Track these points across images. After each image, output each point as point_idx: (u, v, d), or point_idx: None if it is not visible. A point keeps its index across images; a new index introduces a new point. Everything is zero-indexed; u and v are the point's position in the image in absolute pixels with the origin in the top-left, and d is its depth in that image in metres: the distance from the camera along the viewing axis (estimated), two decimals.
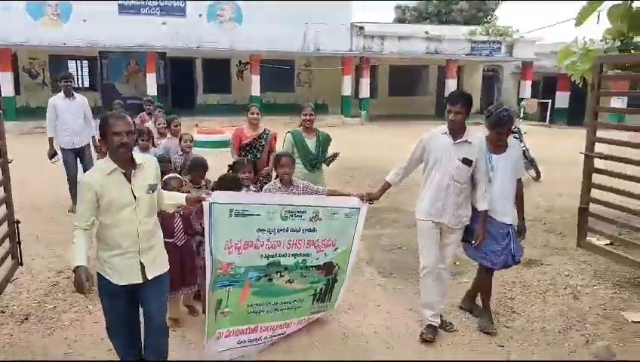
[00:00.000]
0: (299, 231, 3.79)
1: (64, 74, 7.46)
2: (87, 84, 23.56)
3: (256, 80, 21.74)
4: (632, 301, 4.85)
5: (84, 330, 4.25)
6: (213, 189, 3.92)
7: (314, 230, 3.88)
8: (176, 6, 19.80)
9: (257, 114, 5.81)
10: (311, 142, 5.48)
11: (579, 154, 5.65)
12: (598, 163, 5.49)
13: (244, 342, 3.84)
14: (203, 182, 4.73)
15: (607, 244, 5.80)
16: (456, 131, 3.96)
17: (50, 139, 7.30)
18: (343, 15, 21.98)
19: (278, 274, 3.84)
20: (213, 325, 3.64)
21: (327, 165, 5.72)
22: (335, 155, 5.66)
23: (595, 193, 5.60)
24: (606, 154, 5.37)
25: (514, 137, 9.78)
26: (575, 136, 12.07)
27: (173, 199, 3.44)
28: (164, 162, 4.94)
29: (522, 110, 23.54)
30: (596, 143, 5.42)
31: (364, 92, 23.48)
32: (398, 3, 42.67)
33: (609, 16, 6.08)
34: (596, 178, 5.50)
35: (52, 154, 7.33)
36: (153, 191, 3.12)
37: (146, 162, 3.13)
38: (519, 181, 4.27)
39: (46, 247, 6.06)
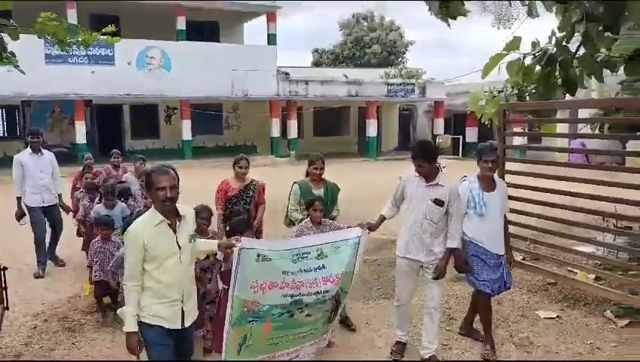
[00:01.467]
0: (310, 270, 3.96)
1: (31, 129, 7.16)
2: (4, 132, 22.89)
3: (187, 125, 22.19)
4: (543, 302, 5.89)
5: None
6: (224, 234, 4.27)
7: (324, 267, 4.02)
8: (104, 55, 20.01)
9: (246, 168, 5.59)
10: (319, 193, 5.21)
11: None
12: (509, 190, 6.60)
13: None
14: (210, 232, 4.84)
15: (522, 259, 6.89)
16: (428, 177, 4.29)
17: (19, 199, 6.86)
18: (267, 61, 23.11)
19: (299, 310, 3.99)
20: (234, 357, 3.83)
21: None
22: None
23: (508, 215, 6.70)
24: (515, 183, 6.50)
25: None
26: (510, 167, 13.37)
27: (207, 246, 3.65)
28: (104, 226, 5.60)
29: (438, 146, 25.47)
30: (505, 175, 6.54)
31: (292, 133, 24.59)
32: (315, 47, 44.70)
33: (507, 69, 7.35)
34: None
35: (20, 215, 6.89)
36: (194, 241, 3.29)
37: (188, 213, 3.30)
38: (504, 216, 4.71)
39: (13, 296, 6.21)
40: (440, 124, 27.74)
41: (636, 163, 12.21)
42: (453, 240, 4.28)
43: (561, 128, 13.27)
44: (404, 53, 43.14)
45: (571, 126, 12.82)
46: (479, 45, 64.05)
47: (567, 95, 7.23)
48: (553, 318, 5.37)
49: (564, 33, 6.48)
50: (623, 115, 5.85)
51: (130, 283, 3.08)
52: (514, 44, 7.08)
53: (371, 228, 4.32)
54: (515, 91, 7.55)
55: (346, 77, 26.75)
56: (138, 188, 6.65)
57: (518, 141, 11.56)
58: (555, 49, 6.58)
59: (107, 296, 5.57)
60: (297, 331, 4.10)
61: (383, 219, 4.50)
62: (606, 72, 7.04)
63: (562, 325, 5.21)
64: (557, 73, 6.81)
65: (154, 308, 3.11)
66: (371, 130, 25.99)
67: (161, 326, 3.14)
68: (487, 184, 4.46)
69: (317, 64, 42.36)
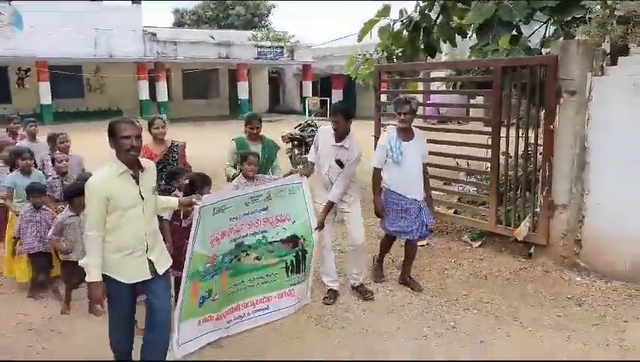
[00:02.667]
0: (255, 211, 4.09)
1: None
2: None
3: (45, 87, 20.67)
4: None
5: None
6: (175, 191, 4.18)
7: (267, 208, 4.17)
8: None
9: (163, 127, 5.12)
10: (256, 149, 5.08)
11: (371, 136, 7.64)
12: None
13: (232, 320, 4.10)
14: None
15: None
16: (340, 136, 4.51)
17: None
18: (132, 20, 22.12)
19: (244, 253, 4.09)
20: (194, 310, 3.78)
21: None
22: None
23: None
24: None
25: (310, 131, 11.78)
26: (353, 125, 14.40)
27: (167, 203, 3.62)
28: (39, 193, 4.83)
29: (307, 107, 26.51)
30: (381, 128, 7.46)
31: (162, 96, 23.99)
32: (175, 6, 42.84)
33: (379, 34, 8.28)
34: None
35: None
36: (155, 193, 3.30)
37: (149, 166, 3.28)
38: (424, 165, 4.90)
39: None
40: (308, 86, 28.74)
41: (478, 113, 14.17)
42: (334, 196, 4.50)
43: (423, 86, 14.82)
44: (267, 16, 43.15)
45: (425, 84, 14.31)
46: (343, 12, 66.06)
47: (429, 57, 8.37)
48: (424, 245, 6.41)
49: (426, 3, 7.52)
50: (472, 75, 6.95)
51: (91, 233, 3.02)
52: (384, 11, 8.02)
53: (305, 173, 4.46)
54: (385, 54, 8.47)
55: (213, 38, 26.48)
56: (47, 153, 6.10)
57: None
58: (419, 17, 7.60)
59: (49, 269, 4.92)
60: (252, 276, 4.19)
61: (312, 164, 4.69)
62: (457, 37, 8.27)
63: (432, 249, 6.27)
64: (421, 38, 7.86)
65: (115, 260, 3.09)
66: (242, 92, 26.23)
67: (121, 281, 3.12)
68: (405, 134, 4.73)
69: (179, 24, 40.79)
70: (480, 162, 7.33)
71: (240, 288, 4.15)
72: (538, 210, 5.51)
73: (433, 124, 10.01)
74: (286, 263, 4.35)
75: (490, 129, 5.93)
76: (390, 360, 3.78)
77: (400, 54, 8.46)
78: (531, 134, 5.55)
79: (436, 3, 7.22)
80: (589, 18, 5.08)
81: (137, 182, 3.13)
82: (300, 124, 12.59)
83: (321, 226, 4.50)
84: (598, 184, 4.98)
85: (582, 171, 5.07)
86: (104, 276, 3.08)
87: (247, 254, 4.12)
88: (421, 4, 7.54)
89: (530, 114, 5.52)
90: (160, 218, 3.80)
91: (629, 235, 4.79)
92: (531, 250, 5.61)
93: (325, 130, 4.70)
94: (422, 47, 8.13)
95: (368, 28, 8.04)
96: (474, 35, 7.25)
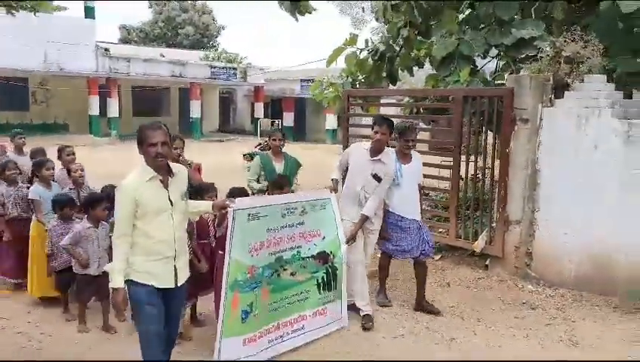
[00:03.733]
0: (293, 225, 4.07)
1: None
2: None
3: None
4: None
5: None
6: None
7: (303, 223, 4.16)
8: None
9: (182, 148, 5.17)
10: (279, 166, 5.32)
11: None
12: None
13: (273, 340, 3.98)
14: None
15: None
16: (379, 149, 4.57)
17: None
18: (85, 35, 21.84)
19: (282, 268, 4.02)
20: (238, 326, 3.68)
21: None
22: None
23: None
24: None
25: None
26: (303, 148, 14.86)
27: (199, 207, 3.60)
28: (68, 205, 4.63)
29: (259, 128, 26.88)
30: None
31: (113, 112, 23.70)
32: (122, 22, 42.31)
33: (346, 61, 8.83)
34: None
35: None
36: (186, 198, 3.27)
37: (179, 170, 3.26)
38: (419, 185, 5.03)
39: None
40: (260, 107, 29.17)
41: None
42: (369, 209, 4.54)
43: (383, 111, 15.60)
44: (216, 37, 43.38)
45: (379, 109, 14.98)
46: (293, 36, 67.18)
47: (390, 85, 8.99)
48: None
49: (391, 35, 8.14)
50: (429, 102, 7.57)
51: (119, 238, 3.01)
52: (352, 40, 8.60)
53: (333, 189, 4.57)
54: (350, 79, 9.02)
55: (163, 56, 26.49)
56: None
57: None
58: (385, 47, 8.21)
59: (72, 284, 4.66)
60: (289, 293, 4.12)
61: (337, 181, 4.76)
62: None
63: (397, 261, 6.71)
64: (385, 67, 8.47)
65: (144, 265, 3.05)
66: (195, 111, 26.28)
67: (151, 285, 3.06)
68: (404, 157, 4.86)
69: (125, 41, 40.27)
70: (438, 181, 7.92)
71: (280, 305, 4.05)
72: (494, 225, 6.10)
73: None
74: (317, 280, 4.31)
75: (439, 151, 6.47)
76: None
77: (363, 80, 9.04)
78: (489, 158, 6.18)
79: (400, 35, 7.83)
80: (540, 56, 5.79)
81: (166, 188, 3.11)
82: (260, 143, 12.95)
83: (352, 240, 4.51)
84: (547, 202, 5.62)
85: (533, 191, 5.70)
86: (130, 283, 3.03)
87: (285, 269, 4.05)
88: (386, 35, 8.15)
89: (486, 140, 6.15)
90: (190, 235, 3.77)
91: (573, 248, 5.44)
92: (487, 262, 6.18)
93: (357, 146, 4.84)
94: (384, 74, 8.75)
95: (336, 55, 8.58)
96: (429, 65, 7.92)
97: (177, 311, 3.36)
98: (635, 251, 5.09)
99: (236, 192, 4.26)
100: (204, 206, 3.63)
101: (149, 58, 24.40)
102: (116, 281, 2.99)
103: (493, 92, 6.12)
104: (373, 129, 4.58)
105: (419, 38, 8.23)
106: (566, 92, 5.54)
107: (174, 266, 3.14)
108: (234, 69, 27.54)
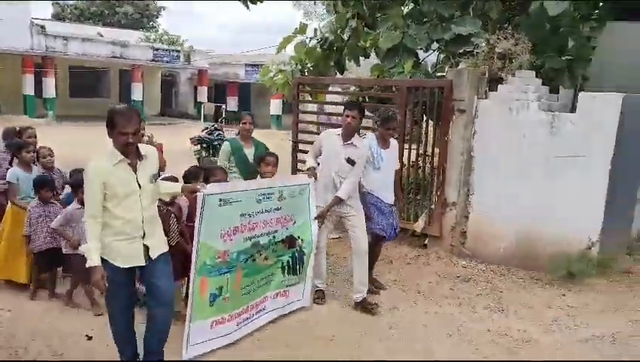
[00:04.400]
0: (270, 211, 4.10)
1: None
2: None
3: None
4: None
5: None
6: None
7: (280, 208, 4.19)
8: None
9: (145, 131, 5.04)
10: (249, 152, 5.39)
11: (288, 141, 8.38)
12: (305, 146, 8.25)
13: (241, 322, 4.03)
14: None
15: None
16: (350, 134, 4.63)
17: None
18: (19, 11, 20.86)
19: (258, 253, 4.08)
20: (206, 310, 3.71)
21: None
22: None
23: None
24: (307, 140, 8.22)
25: (217, 135, 12.35)
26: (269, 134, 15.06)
27: (170, 189, 3.64)
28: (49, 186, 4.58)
29: (203, 112, 26.65)
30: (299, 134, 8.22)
31: (50, 92, 22.85)
32: None
33: (295, 49, 9.09)
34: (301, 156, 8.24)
35: None
36: (155, 181, 3.30)
37: (149, 153, 3.29)
38: (395, 171, 5.21)
39: None
40: (204, 91, 28.89)
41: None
42: (344, 192, 4.59)
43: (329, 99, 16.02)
44: (157, 17, 42.19)
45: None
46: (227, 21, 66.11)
47: (337, 73, 9.33)
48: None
49: (340, 25, 8.47)
50: (375, 91, 7.98)
51: (90, 220, 3.09)
52: (302, 29, 8.88)
53: (312, 175, 4.62)
54: (299, 67, 9.28)
55: (102, 35, 25.70)
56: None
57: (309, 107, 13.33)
58: (333, 37, 8.53)
59: (56, 266, 4.72)
60: (259, 276, 4.18)
61: (314, 168, 4.76)
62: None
63: (342, 241, 7.10)
64: (333, 56, 8.80)
65: (112, 245, 3.14)
66: (137, 93, 25.72)
67: (117, 266, 3.16)
68: (384, 142, 5.02)
69: (59, 18, 38.39)
70: None
71: (251, 289, 4.11)
72: (433, 207, 6.61)
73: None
74: (282, 263, 4.38)
75: None
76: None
77: (311, 68, 9.33)
78: (429, 146, 6.67)
79: (348, 26, 8.18)
80: (477, 52, 6.29)
81: (135, 171, 3.15)
82: (207, 128, 13.00)
83: (321, 219, 4.60)
84: (480, 186, 6.17)
85: (468, 176, 6.24)
86: (103, 261, 3.11)
87: (260, 254, 4.11)
88: (335, 25, 8.47)
89: (427, 128, 6.63)
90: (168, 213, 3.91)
91: (502, 228, 6.02)
92: (426, 241, 6.68)
93: (328, 133, 4.90)
94: (332, 63, 9.08)
95: (286, 42, 8.83)
96: (374, 56, 8.28)
97: (162, 278, 3.31)
98: (555, 231, 5.71)
99: (194, 171, 4.34)
100: (174, 188, 3.68)
101: (87, 37, 23.62)
102: (93, 260, 3.06)
103: (434, 83, 6.59)
104: (344, 113, 4.65)
105: (366, 29, 8.61)
106: (499, 85, 6.07)
107: (143, 244, 3.22)
108: (177, 51, 27.14)
